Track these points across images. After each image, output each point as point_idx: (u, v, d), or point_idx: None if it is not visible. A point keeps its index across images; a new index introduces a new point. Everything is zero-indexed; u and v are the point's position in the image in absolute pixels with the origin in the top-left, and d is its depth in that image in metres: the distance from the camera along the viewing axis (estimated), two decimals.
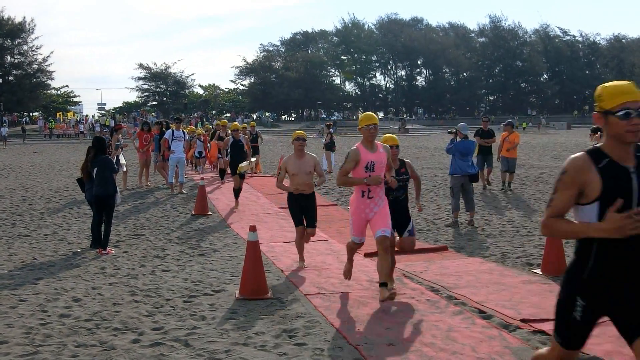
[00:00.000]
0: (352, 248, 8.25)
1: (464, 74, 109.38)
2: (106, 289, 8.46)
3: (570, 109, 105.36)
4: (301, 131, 10.34)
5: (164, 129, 20.22)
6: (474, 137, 17.89)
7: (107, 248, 11.02)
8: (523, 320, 6.77)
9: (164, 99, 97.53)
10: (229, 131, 17.88)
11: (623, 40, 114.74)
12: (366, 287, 8.37)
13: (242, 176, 16.00)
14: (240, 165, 14.66)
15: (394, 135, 8.69)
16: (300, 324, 6.83)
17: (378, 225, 7.63)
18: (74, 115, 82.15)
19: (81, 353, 6.01)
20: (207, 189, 17.86)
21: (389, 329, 6.57)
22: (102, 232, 11.14)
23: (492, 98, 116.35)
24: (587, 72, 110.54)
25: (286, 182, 9.83)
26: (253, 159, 17.21)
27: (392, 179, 7.87)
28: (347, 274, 8.32)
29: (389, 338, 6.28)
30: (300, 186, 9.47)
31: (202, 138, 24.35)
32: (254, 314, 7.27)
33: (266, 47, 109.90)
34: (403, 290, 8.16)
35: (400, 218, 8.34)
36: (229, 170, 17.33)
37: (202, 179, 17.38)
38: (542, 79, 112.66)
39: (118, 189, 11.50)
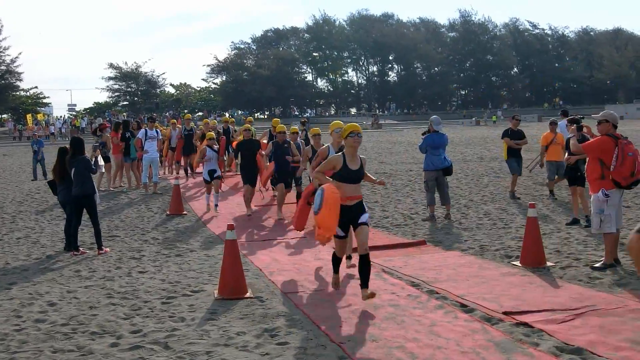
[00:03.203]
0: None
1: (436, 68, 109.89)
2: (82, 293, 8.31)
3: (541, 102, 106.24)
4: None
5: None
6: (503, 137, 16.06)
7: (103, 247, 11.06)
8: (505, 313, 6.75)
9: (135, 98, 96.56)
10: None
11: (591, 33, 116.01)
12: (346, 284, 8.30)
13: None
14: None
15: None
16: (281, 322, 6.74)
17: None
18: (44, 116, 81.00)
19: (58, 358, 5.88)
20: (183, 189, 17.66)
21: (372, 326, 6.51)
22: (94, 234, 11.12)
23: (463, 92, 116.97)
24: (556, 64, 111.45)
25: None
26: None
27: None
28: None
29: (372, 335, 6.22)
30: None
31: (217, 146, 16.13)
32: (234, 313, 7.17)
33: (237, 45, 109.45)
34: (383, 286, 8.11)
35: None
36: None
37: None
38: (512, 72, 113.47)
39: (97, 189, 11.37)
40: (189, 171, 22.33)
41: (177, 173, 22.95)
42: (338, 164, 7.49)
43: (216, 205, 14.94)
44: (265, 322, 6.80)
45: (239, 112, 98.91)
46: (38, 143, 24.95)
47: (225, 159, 15.94)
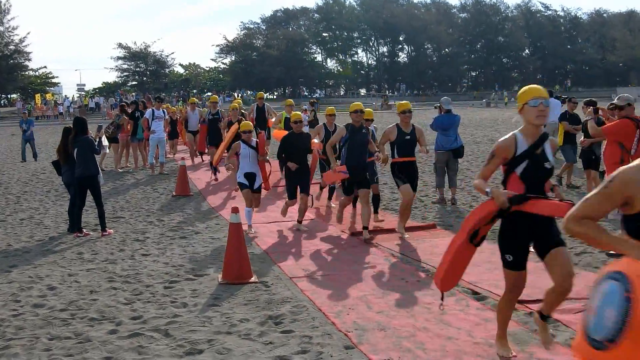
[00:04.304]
0: None
1: (446, 49, 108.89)
2: (83, 276, 8.10)
3: (552, 84, 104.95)
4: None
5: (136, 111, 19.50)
6: (560, 121, 14.40)
7: (107, 229, 10.86)
8: (519, 302, 6.47)
9: (144, 78, 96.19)
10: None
11: (604, 15, 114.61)
12: (354, 269, 8.07)
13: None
14: None
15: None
16: (286, 309, 6.51)
17: None
18: (52, 96, 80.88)
19: (54, 346, 5.66)
20: (189, 169, 17.43)
21: (380, 313, 6.27)
22: (98, 215, 10.90)
23: (474, 74, 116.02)
24: (568, 47, 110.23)
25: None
26: None
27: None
28: None
29: (380, 323, 5.98)
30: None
31: (256, 140, 11.09)
32: (238, 299, 6.95)
33: (247, 25, 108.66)
34: (393, 271, 7.88)
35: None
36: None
37: (182, 158, 16.75)
38: (524, 54, 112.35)
39: (100, 170, 11.16)
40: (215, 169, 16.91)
41: (193, 160, 20.29)
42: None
43: (250, 226, 10.61)
44: (270, 308, 6.57)
45: (248, 92, 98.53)
46: (27, 122, 24.66)
47: (267, 157, 11.55)
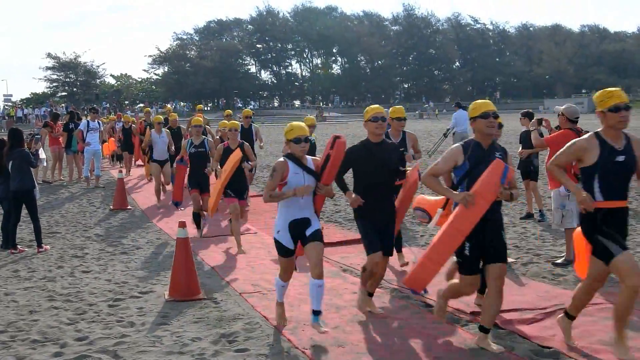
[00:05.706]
0: None
1: (379, 61, 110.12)
2: (21, 295, 7.73)
3: (482, 96, 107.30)
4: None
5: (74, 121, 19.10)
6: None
7: (43, 245, 10.43)
8: (472, 314, 6.47)
9: (74, 89, 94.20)
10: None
11: (531, 29, 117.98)
12: (305, 283, 7.91)
13: None
14: None
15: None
16: (239, 326, 6.32)
17: None
18: None
19: None
20: (127, 182, 17.00)
21: (336, 329, 6.15)
22: (34, 231, 10.46)
23: (406, 85, 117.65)
24: (497, 59, 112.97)
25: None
26: None
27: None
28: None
29: (337, 339, 5.85)
30: None
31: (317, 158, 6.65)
32: (187, 317, 6.72)
33: (180, 36, 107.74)
34: (344, 285, 7.77)
35: None
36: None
37: (120, 171, 16.31)
38: (454, 66, 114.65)
39: (36, 184, 10.75)
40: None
41: (159, 198, 14.50)
42: None
43: (281, 304, 6.53)
44: (222, 326, 6.38)
45: (182, 104, 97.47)
46: None
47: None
